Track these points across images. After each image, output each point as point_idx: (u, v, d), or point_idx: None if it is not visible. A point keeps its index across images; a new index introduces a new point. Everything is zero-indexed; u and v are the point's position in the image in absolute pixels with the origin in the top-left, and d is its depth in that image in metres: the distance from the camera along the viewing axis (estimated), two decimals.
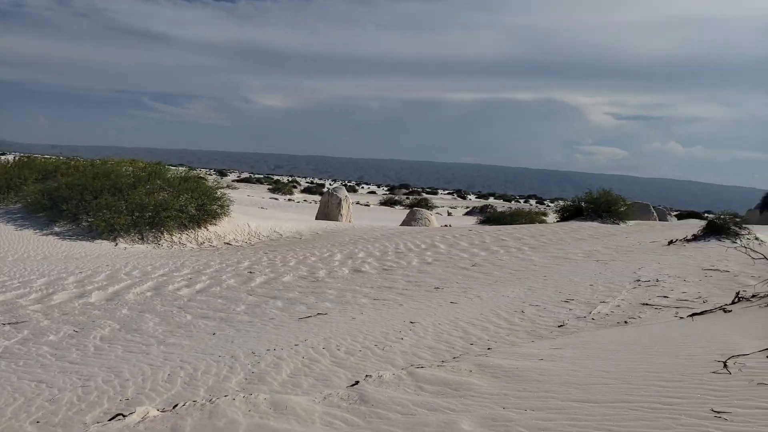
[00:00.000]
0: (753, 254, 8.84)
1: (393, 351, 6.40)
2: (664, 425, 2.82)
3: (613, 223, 19.84)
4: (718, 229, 14.55)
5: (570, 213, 22.37)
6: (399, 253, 14.34)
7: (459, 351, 6.24)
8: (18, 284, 10.17)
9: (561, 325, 7.24)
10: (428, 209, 38.83)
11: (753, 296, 6.91)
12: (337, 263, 13.13)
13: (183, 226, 17.17)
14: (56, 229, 16.45)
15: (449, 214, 49.24)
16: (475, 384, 3.78)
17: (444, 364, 4.58)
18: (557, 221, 22.94)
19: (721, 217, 15.64)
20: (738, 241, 13.53)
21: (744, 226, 15.26)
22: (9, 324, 7.89)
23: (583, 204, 21.84)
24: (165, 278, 11.27)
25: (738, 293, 7.25)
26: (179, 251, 15.61)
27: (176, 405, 3.44)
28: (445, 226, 25.07)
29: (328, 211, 25.71)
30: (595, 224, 19.24)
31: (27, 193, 18.51)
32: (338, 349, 6.48)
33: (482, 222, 28.89)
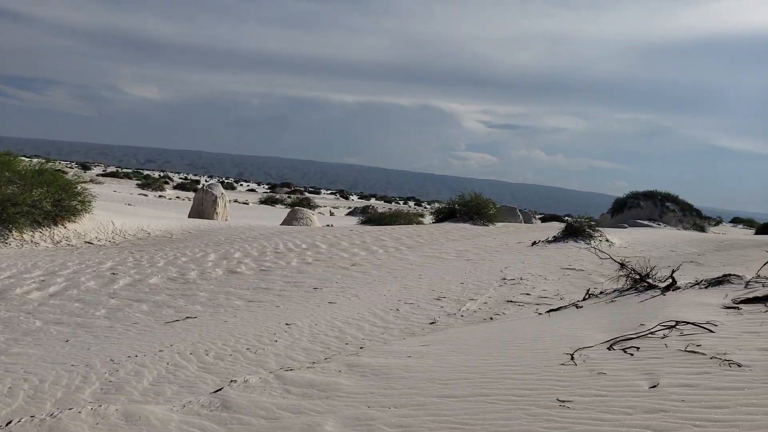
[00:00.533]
0: (601, 255, 9.73)
1: (266, 354, 6.26)
2: (516, 416, 2.99)
3: (483, 224, 20.96)
4: (575, 231, 15.86)
5: (444, 215, 23.33)
6: (278, 253, 14.09)
7: (334, 351, 6.24)
8: None
9: (432, 323, 7.50)
10: (310, 209, 38.63)
11: (600, 293, 7.60)
12: (210, 264, 12.62)
13: (36, 224, 15.58)
14: None
15: (332, 214, 49.33)
16: (343, 384, 3.79)
17: (314, 365, 4.55)
18: (433, 222, 23.82)
19: (578, 220, 17.05)
20: (591, 242, 14.84)
21: (597, 228, 16.78)
22: None
23: (456, 206, 22.86)
24: (12, 281, 10.17)
25: (588, 290, 7.94)
26: (31, 251, 14.16)
27: (10, 422, 3.09)
28: (327, 226, 25.08)
29: (203, 209, 24.68)
30: (467, 226, 20.21)
31: None
32: (207, 354, 6.21)
33: (363, 222, 29.25)
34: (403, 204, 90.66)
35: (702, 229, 26.63)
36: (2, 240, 14.71)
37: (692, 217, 28.47)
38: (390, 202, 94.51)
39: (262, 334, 7.09)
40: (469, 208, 21.99)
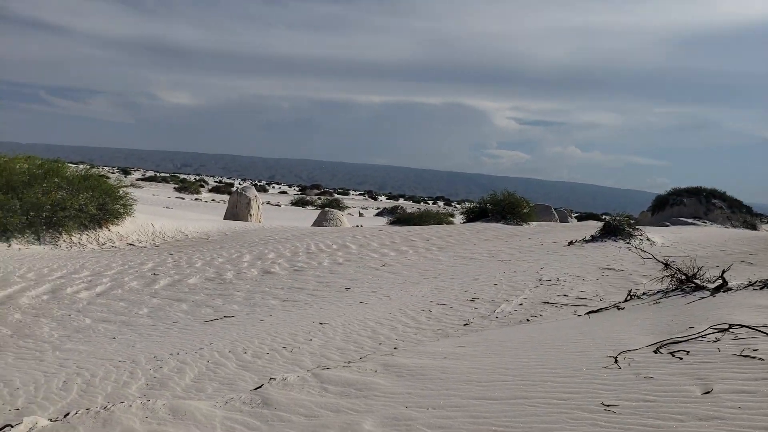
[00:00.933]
0: (643, 254, 9.53)
1: (301, 353, 6.33)
2: (558, 419, 2.95)
3: (517, 224, 20.69)
4: (613, 230, 15.53)
5: (476, 214, 23.12)
6: (310, 253, 14.22)
7: (367, 351, 6.26)
8: None
9: (466, 324, 7.46)
10: (340, 210, 38.85)
11: (643, 294, 7.43)
12: (245, 264, 12.81)
13: (83, 227, 16.15)
14: None
15: (361, 214, 49.54)
16: (380, 384, 3.80)
17: (350, 364, 4.58)
18: (464, 222, 23.66)
19: (617, 218, 16.63)
20: (631, 241, 14.52)
21: (637, 227, 16.38)
22: None
23: (488, 206, 22.62)
24: (63, 281, 10.52)
25: (630, 291, 7.77)
26: (79, 252, 14.63)
27: (68, 414, 3.21)
28: (357, 226, 25.19)
29: (237, 211, 25.07)
30: (499, 225, 20.01)
31: None
32: (245, 353, 6.31)
33: (392, 223, 29.26)
34: (433, 204, 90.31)
35: (753, 227, 25.56)
36: (54, 242, 15.27)
37: (742, 215, 27.34)
38: (419, 202, 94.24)
39: (297, 333, 7.17)
40: (501, 207, 21.72)
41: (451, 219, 32.74)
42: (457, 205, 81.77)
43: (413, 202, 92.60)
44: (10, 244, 14.64)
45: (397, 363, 4.36)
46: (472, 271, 11.87)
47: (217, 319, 8.34)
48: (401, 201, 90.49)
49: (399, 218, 31.26)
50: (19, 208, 15.56)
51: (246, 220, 24.08)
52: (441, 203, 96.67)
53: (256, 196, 26.13)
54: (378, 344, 6.60)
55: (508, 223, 20.62)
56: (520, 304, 8.46)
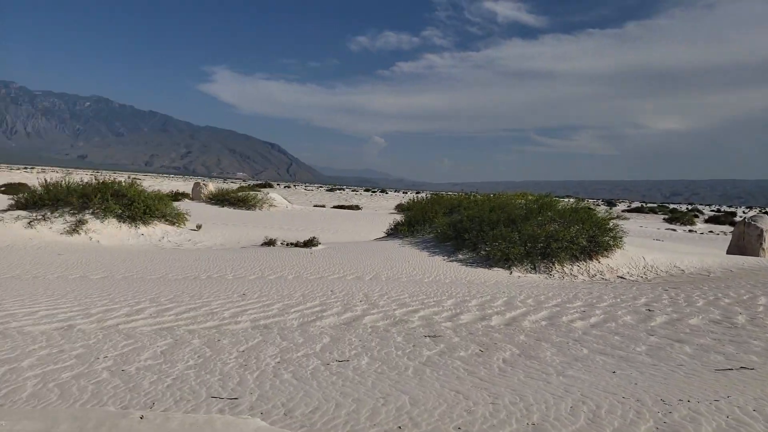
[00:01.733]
0: None
1: None
2: None
3: None
4: None
5: None
6: None
7: None
8: (433, 303, 11.63)
9: None
10: None
11: None
12: (761, 309, 10.84)
13: (573, 258, 17.05)
14: (460, 256, 18.42)
15: None
16: None
17: None
18: None
19: None
20: None
21: None
22: (429, 336, 9.01)
23: None
24: (558, 309, 11.24)
25: None
26: (570, 283, 15.47)
27: None
28: None
29: (744, 244, 21.80)
30: None
31: (437, 225, 21.40)
32: None
33: None
34: None
35: None
36: (547, 272, 16.67)
37: None
38: None
39: None
40: None
41: None
42: None
43: None
44: (511, 272, 16.69)
45: None
46: None
47: (732, 369, 7.23)
48: None
49: None
50: (518, 240, 17.66)
51: (756, 255, 20.73)
52: None
53: None
54: None
55: None
56: None
